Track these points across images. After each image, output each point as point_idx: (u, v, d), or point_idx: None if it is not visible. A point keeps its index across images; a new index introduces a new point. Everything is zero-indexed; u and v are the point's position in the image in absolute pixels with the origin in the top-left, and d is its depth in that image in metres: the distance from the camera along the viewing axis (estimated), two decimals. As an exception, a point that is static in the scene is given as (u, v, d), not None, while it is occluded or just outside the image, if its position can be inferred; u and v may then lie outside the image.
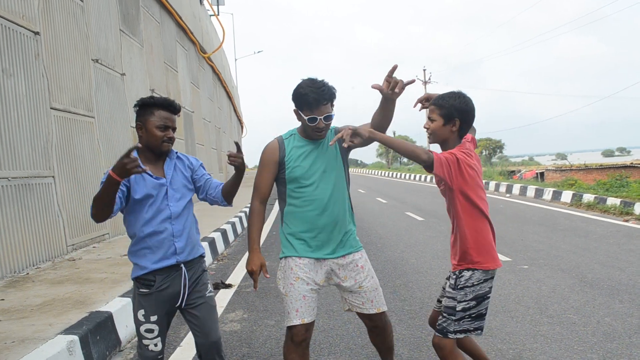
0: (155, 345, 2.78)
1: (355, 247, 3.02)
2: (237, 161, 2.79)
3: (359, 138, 2.67)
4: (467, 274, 2.80)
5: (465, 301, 2.78)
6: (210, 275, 7.00)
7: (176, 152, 2.93)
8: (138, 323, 2.78)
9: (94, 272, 6.00)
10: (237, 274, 6.96)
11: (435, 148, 3.08)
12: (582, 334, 4.33)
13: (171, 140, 2.79)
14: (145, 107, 2.78)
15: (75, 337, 3.58)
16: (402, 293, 5.72)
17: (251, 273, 2.88)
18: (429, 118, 2.87)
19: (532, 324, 4.63)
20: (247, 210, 13.59)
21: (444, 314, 2.84)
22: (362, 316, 3.06)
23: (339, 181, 2.95)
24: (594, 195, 14.91)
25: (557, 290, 5.70)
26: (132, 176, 2.66)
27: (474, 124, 3.01)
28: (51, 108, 7.21)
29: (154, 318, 2.76)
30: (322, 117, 2.79)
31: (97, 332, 3.88)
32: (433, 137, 2.89)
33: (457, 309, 2.79)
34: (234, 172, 2.88)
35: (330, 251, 2.93)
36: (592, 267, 6.76)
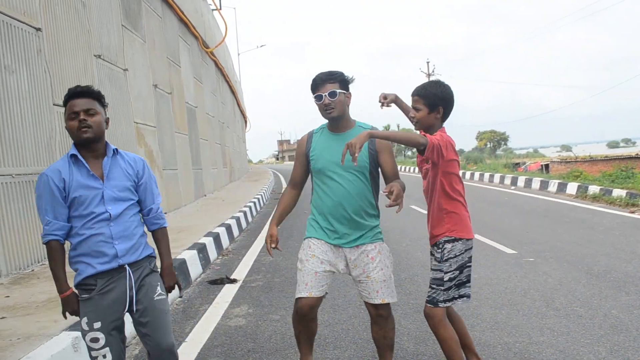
0: (104, 356, 2.53)
1: (371, 240, 3.12)
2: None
3: (359, 145, 2.71)
4: (449, 245, 3.05)
5: (450, 271, 3.05)
6: (215, 271, 7.00)
7: (115, 150, 2.70)
8: (83, 333, 2.57)
9: (99, 268, 5.99)
10: (242, 269, 6.96)
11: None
12: (589, 326, 4.30)
13: (86, 123, 2.53)
14: (65, 104, 2.59)
15: (80, 334, 3.57)
16: (408, 287, 5.70)
17: (266, 242, 3.18)
18: (414, 108, 3.11)
19: (539, 316, 4.60)
20: (251, 204, 13.60)
21: (433, 285, 3.09)
22: (368, 305, 3.16)
23: (359, 176, 3.09)
24: (599, 187, 14.85)
25: (563, 283, 5.67)
26: (68, 177, 2.54)
27: None
28: (54, 104, 7.20)
29: (97, 325, 2.53)
30: (326, 94, 3.00)
31: (102, 328, 3.87)
32: (419, 125, 3.14)
33: (445, 279, 3.06)
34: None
35: (344, 241, 3.10)
36: (598, 259, 6.73)
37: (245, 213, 11.93)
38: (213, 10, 24.00)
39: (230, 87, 30.65)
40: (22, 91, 6.44)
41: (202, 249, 7.23)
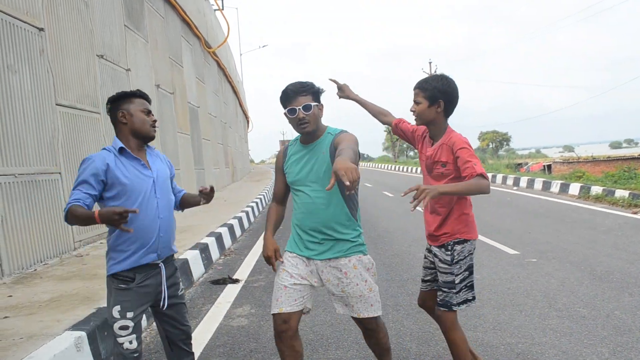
0: (130, 342, 2.68)
1: (345, 253, 2.90)
2: (207, 198, 3.03)
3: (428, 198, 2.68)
4: (458, 247, 3.00)
5: (461, 273, 3.00)
6: (218, 271, 7.00)
7: (154, 148, 2.97)
8: (112, 320, 2.68)
9: (102, 268, 6.00)
10: (244, 269, 6.96)
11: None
12: (592, 327, 4.29)
13: (155, 124, 2.85)
14: (121, 98, 2.81)
15: (83, 333, 3.58)
16: (410, 287, 5.70)
17: (267, 259, 2.98)
18: (415, 101, 3.03)
19: (541, 317, 4.59)
20: (254, 204, 13.61)
21: (444, 289, 3.03)
22: (354, 319, 3.03)
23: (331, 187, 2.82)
24: (602, 188, 14.82)
25: (566, 284, 5.66)
26: (112, 162, 2.68)
27: None
28: (57, 104, 7.21)
29: (130, 314, 2.68)
30: (300, 107, 2.81)
31: (104, 328, 3.87)
32: (420, 119, 3.07)
33: (457, 282, 3.00)
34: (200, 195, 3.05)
35: (316, 253, 2.92)
36: (601, 260, 6.72)
37: (247, 213, 11.93)
38: (215, 10, 24.01)
39: (233, 87, 30.67)
40: (25, 91, 6.45)
41: (204, 249, 7.24)
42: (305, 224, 2.92)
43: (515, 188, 19.87)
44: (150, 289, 2.77)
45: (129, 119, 2.77)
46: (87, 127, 8.14)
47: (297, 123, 2.85)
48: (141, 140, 2.82)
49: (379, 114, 3.55)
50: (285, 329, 2.84)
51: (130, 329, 2.68)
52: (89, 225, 2.53)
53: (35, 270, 6.03)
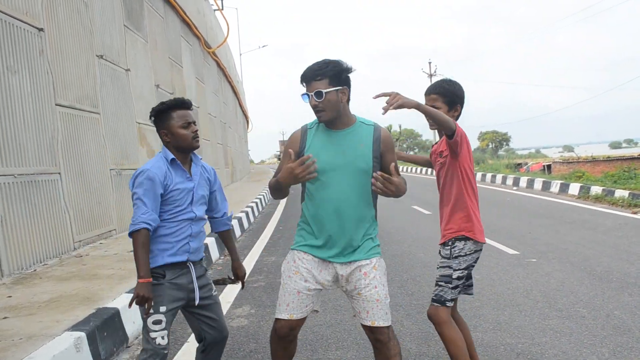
0: (163, 338, 2.71)
1: (367, 255, 2.71)
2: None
3: (402, 102, 2.57)
4: (460, 244, 3.01)
5: (460, 269, 3.00)
6: (218, 271, 7.00)
7: (200, 159, 3.05)
8: (146, 314, 2.72)
9: (101, 268, 6.00)
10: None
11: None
12: (592, 327, 4.29)
13: (197, 134, 2.90)
14: (161, 113, 2.85)
15: (83, 334, 3.57)
16: (410, 287, 5.69)
17: (294, 167, 2.47)
18: (432, 107, 2.93)
19: (541, 317, 4.59)
20: (253, 205, 13.59)
21: (441, 283, 3.03)
22: (364, 328, 2.75)
23: (362, 183, 2.66)
24: (601, 188, 14.82)
25: (566, 284, 5.66)
26: (167, 173, 2.78)
27: None
28: (56, 104, 7.21)
29: (163, 309, 2.73)
30: (312, 94, 2.56)
31: (104, 328, 3.87)
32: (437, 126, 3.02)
33: (454, 277, 3.00)
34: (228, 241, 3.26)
35: (336, 254, 2.69)
36: (601, 260, 6.71)
37: (247, 213, 11.92)
38: (215, 10, 24.01)
39: (232, 87, 30.67)
40: (25, 92, 6.44)
41: (204, 249, 7.23)
42: (330, 221, 2.65)
43: (515, 188, 19.87)
44: (182, 288, 2.82)
45: (171, 138, 2.83)
46: (87, 128, 8.13)
47: (313, 110, 2.62)
48: (185, 153, 2.89)
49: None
50: (289, 333, 2.75)
51: (163, 324, 2.72)
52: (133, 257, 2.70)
53: (34, 270, 6.02)
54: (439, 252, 3.14)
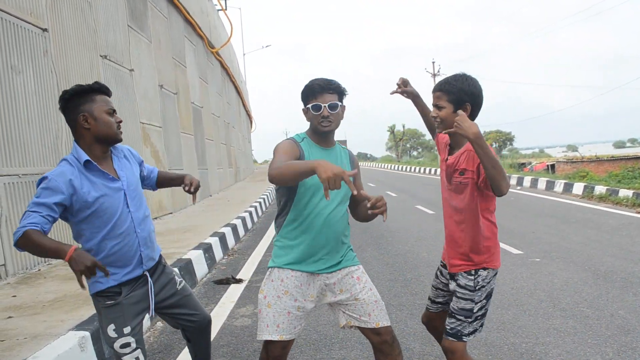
0: (137, 358, 2.48)
1: (353, 262, 2.75)
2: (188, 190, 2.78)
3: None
4: (483, 273, 2.65)
5: (481, 301, 2.66)
6: (221, 270, 7.01)
7: (118, 147, 2.65)
8: (110, 341, 2.46)
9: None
10: (248, 269, 6.96)
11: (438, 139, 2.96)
12: (596, 327, 4.28)
13: (120, 124, 2.55)
14: (80, 95, 2.43)
15: (87, 333, 3.59)
16: (414, 287, 5.69)
17: (338, 175, 2.19)
18: (436, 106, 2.66)
19: (545, 317, 4.58)
20: (257, 205, 13.60)
21: (459, 317, 2.67)
22: (367, 332, 2.71)
23: (346, 195, 2.72)
24: (605, 187, 14.78)
25: (570, 283, 5.64)
26: (77, 181, 2.37)
27: None
28: (60, 104, 7.23)
29: (127, 330, 2.47)
30: (326, 105, 2.60)
31: (108, 327, 3.88)
32: (443, 126, 2.66)
33: (475, 311, 2.66)
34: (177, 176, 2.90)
35: (326, 266, 2.67)
36: (605, 260, 6.70)
37: (250, 213, 11.94)
38: (218, 10, 24.03)
39: (236, 87, 30.69)
40: (29, 91, 6.47)
41: (207, 249, 7.24)
42: (321, 235, 2.63)
43: (518, 188, 19.83)
44: (142, 298, 2.58)
45: (92, 123, 2.42)
46: (91, 128, 8.15)
47: (318, 120, 2.63)
48: (106, 146, 2.52)
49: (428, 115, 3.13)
50: (281, 355, 2.69)
51: (133, 345, 2.48)
52: (45, 257, 2.24)
53: (39, 270, 6.04)
54: (451, 276, 2.77)
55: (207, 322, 2.86)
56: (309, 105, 2.65)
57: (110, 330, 2.46)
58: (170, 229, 9.49)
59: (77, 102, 2.42)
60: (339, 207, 2.68)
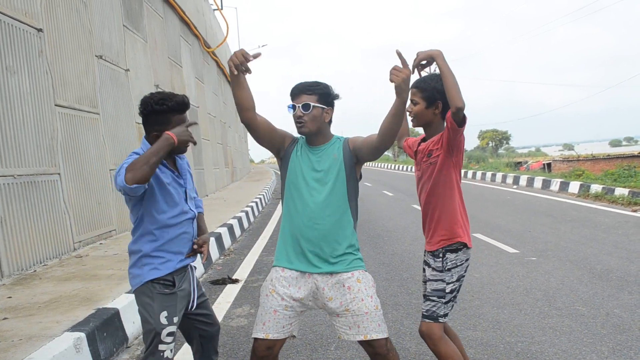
0: (171, 351, 2.58)
1: (348, 268, 2.66)
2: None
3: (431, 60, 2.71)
4: (451, 255, 2.82)
5: (452, 282, 2.82)
6: (217, 271, 7.00)
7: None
8: (160, 327, 2.54)
9: (101, 268, 6.00)
10: (244, 269, 6.96)
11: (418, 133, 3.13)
12: (592, 326, 4.30)
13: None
14: (158, 114, 2.62)
15: (82, 334, 3.58)
16: (410, 286, 5.70)
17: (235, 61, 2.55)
18: (412, 101, 2.87)
19: (541, 316, 4.59)
20: (253, 204, 13.59)
21: (433, 298, 2.82)
22: (361, 344, 2.69)
23: (337, 193, 2.68)
24: (601, 186, 14.83)
25: (566, 282, 5.66)
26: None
27: None
28: (55, 105, 7.21)
29: (176, 319, 2.60)
30: (299, 105, 2.64)
31: (104, 328, 3.88)
32: (416, 120, 2.92)
33: (447, 291, 2.81)
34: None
35: (316, 265, 2.65)
36: (601, 259, 6.72)
37: (247, 213, 11.93)
38: (214, 10, 24.00)
39: (232, 87, 30.61)
40: (24, 92, 6.44)
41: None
42: (306, 232, 2.64)
43: (515, 186, 19.87)
44: (186, 293, 2.72)
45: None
46: (86, 128, 8.13)
47: (294, 121, 2.70)
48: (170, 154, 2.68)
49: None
50: (267, 355, 2.66)
51: (174, 337, 2.60)
52: (157, 161, 2.38)
53: (34, 271, 6.02)
54: (426, 263, 2.92)
55: (218, 328, 2.96)
56: (288, 106, 2.72)
57: (163, 317, 2.56)
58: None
59: (153, 120, 2.63)
60: (326, 205, 2.65)
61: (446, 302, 2.81)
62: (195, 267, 2.84)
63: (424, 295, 2.94)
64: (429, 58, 2.68)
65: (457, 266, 2.82)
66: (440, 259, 2.83)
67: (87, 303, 4.50)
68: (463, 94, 2.62)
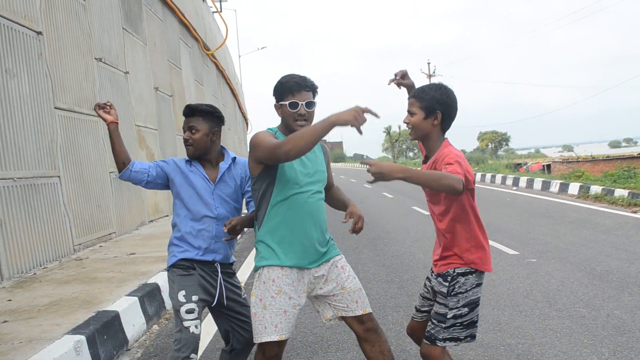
0: (196, 327, 2.78)
1: (336, 252, 2.82)
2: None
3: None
4: (462, 279, 2.63)
5: (456, 308, 2.63)
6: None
7: (233, 157, 3.09)
8: (178, 304, 2.80)
9: (101, 271, 6.00)
10: (244, 272, 6.95)
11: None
12: (592, 327, 4.29)
13: (188, 142, 2.97)
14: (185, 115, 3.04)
15: (82, 337, 3.57)
16: (410, 288, 5.69)
17: (357, 115, 2.30)
18: (409, 112, 2.71)
19: (541, 318, 4.59)
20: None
21: (434, 320, 2.69)
22: (352, 322, 2.77)
23: (321, 189, 2.79)
24: (601, 187, 14.82)
25: (566, 284, 5.65)
26: (183, 165, 3.00)
27: None
28: (55, 108, 7.21)
29: (195, 298, 2.81)
30: (303, 103, 2.64)
31: (104, 331, 3.87)
32: (414, 132, 2.73)
33: (448, 317, 2.64)
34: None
35: (314, 259, 2.71)
36: (601, 260, 6.71)
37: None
38: (214, 12, 24.02)
39: (231, 89, 30.68)
40: (24, 95, 6.45)
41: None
42: (308, 230, 2.66)
43: (514, 188, 19.87)
44: (211, 284, 2.93)
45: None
46: (86, 131, 8.13)
47: (294, 118, 2.65)
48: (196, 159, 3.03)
49: None
50: (277, 353, 2.71)
51: (196, 313, 2.79)
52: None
53: (34, 274, 6.02)
54: (434, 282, 2.75)
55: (250, 344, 3.02)
56: (286, 102, 2.65)
57: (181, 296, 2.81)
58: (166, 232, 9.45)
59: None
60: (316, 195, 2.73)
61: (446, 327, 2.64)
62: (218, 266, 3.00)
63: (419, 309, 2.94)
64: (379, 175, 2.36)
65: (466, 291, 2.64)
66: (448, 283, 2.66)
67: (87, 306, 4.50)
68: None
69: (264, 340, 2.63)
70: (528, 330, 4.28)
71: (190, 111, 2.97)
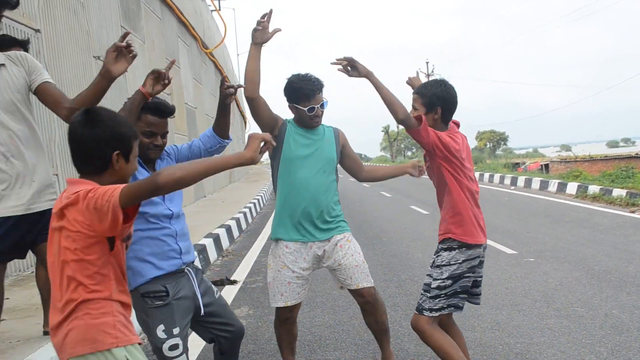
0: (186, 358, 2.50)
1: (339, 230, 3.18)
2: (230, 90, 2.78)
3: (355, 72, 2.94)
4: (445, 253, 2.89)
5: (440, 279, 2.86)
6: (215, 272, 6.99)
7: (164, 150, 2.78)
8: (159, 342, 2.45)
9: (99, 269, 5.98)
10: (242, 270, 6.95)
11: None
12: (590, 327, 4.30)
13: (158, 147, 2.65)
14: (142, 110, 2.60)
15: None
16: (408, 287, 5.69)
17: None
18: (413, 107, 2.98)
19: (539, 317, 4.60)
20: (251, 205, 13.58)
21: (422, 291, 2.96)
22: (352, 293, 3.23)
23: (330, 172, 3.18)
24: (599, 187, 14.83)
25: (564, 283, 5.66)
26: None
27: None
28: (53, 106, 7.19)
29: (176, 331, 2.47)
30: (318, 105, 3.09)
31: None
32: None
33: (432, 286, 2.88)
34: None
35: (317, 235, 3.12)
36: (599, 259, 6.72)
37: (245, 214, 11.92)
38: (212, 10, 23.98)
39: (230, 87, 30.58)
40: (22, 93, 6.42)
41: (202, 250, 7.23)
42: (308, 208, 3.07)
43: (512, 187, 19.88)
44: (188, 301, 2.58)
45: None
46: (84, 129, 8.11)
47: (311, 118, 3.09)
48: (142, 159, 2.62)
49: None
50: (289, 317, 3.19)
51: (181, 348, 2.48)
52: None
53: (32, 272, 6.00)
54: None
55: (241, 334, 2.84)
56: (305, 108, 3.05)
57: (160, 331, 2.46)
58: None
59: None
60: (318, 175, 3.09)
61: (432, 297, 2.87)
62: (189, 273, 2.67)
63: None
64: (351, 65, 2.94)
65: (448, 264, 2.87)
66: (435, 255, 2.97)
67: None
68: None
69: (273, 306, 3.19)
70: (526, 330, 4.29)
71: (170, 113, 2.68)
